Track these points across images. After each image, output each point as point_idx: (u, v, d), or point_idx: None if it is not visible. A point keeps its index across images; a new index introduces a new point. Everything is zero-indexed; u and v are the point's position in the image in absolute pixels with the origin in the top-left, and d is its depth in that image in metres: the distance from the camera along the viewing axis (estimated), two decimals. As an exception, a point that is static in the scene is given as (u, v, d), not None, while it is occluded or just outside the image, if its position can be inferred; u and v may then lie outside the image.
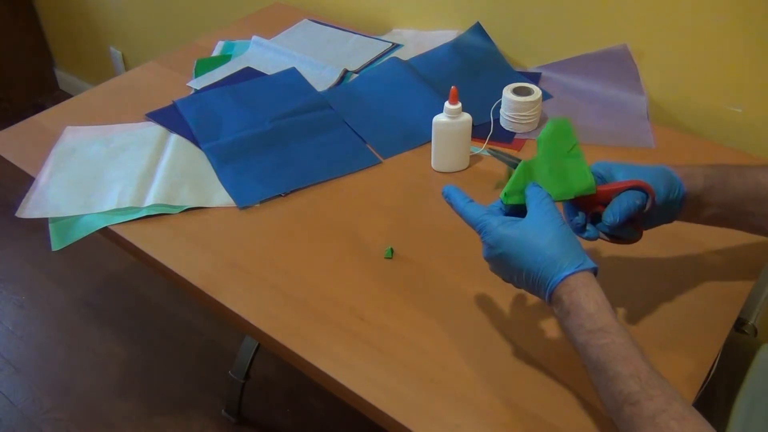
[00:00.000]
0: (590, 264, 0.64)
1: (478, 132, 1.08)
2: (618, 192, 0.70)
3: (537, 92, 1.09)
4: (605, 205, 0.71)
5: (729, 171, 0.74)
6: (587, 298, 0.61)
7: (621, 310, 0.80)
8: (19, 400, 1.56)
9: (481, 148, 1.07)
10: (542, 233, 0.64)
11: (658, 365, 0.73)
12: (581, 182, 0.71)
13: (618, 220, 0.68)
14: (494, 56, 1.27)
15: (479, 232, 0.68)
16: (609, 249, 0.87)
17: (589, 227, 0.73)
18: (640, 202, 0.69)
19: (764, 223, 0.75)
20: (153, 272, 0.92)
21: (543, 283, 0.64)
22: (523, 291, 0.69)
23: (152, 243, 0.91)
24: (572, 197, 0.71)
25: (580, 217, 0.73)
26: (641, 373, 0.57)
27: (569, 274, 0.62)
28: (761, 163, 0.77)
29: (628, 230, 0.73)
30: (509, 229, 0.66)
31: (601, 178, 0.72)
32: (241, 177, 1.02)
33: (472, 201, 0.70)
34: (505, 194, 0.70)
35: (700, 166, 0.74)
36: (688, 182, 0.72)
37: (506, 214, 0.70)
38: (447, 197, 0.72)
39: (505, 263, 0.67)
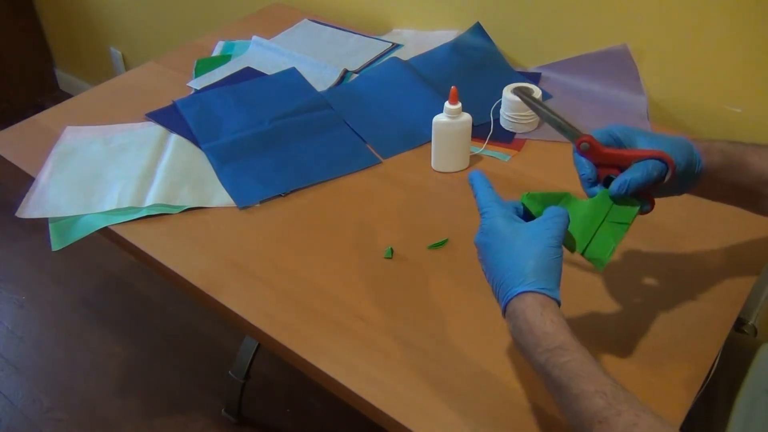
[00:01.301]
0: (555, 295, 0.61)
1: (478, 132, 1.08)
2: (638, 159, 0.68)
3: (537, 92, 1.08)
4: (623, 169, 0.69)
5: (746, 150, 0.72)
6: (543, 317, 0.59)
7: (620, 311, 0.80)
8: (19, 400, 1.56)
9: (481, 148, 1.07)
10: (530, 244, 0.62)
11: (657, 366, 0.73)
12: (598, 252, 0.68)
13: (624, 192, 0.67)
14: (494, 56, 1.27)
15: (481, 216, 0.67)
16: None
17: (597, 187, 0.70)
18: (657, 173, 0.67)
19: None
20: (153, 272, 0.92)
21: (504, 290, 0.62)
22: None
23: (152, 243, 0.91)
24: (580, 252, 0.68)
25: (590, 171, 0.70)
26: (606, 389, 0.55)
27: (528, 291, 0.60)
28: None
29: (636, 200, 0.70)
30: (504, 224, 0.65)
31: (618, 142, 0.70)
32: (241, 177, 1.02)
33: (491, 188, 0.69)
34: (528, 194, 0.68)
35: (718, 141, 0.72)
36: (706, 158, 0.70)
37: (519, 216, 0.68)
38: (471, 181, 0.71)
39: (486, 254, 0.65)
